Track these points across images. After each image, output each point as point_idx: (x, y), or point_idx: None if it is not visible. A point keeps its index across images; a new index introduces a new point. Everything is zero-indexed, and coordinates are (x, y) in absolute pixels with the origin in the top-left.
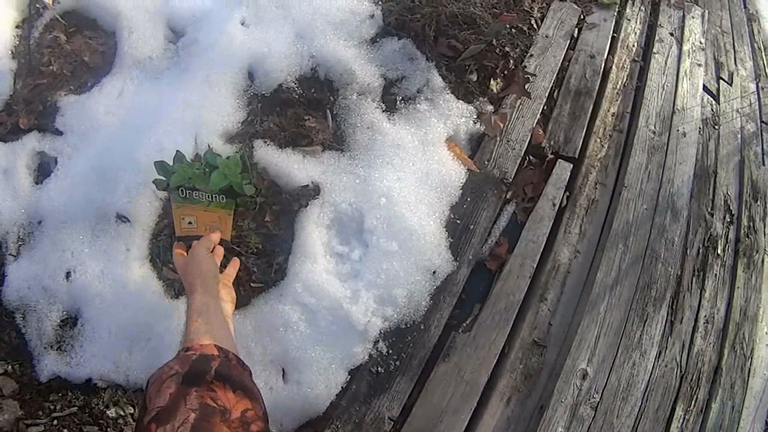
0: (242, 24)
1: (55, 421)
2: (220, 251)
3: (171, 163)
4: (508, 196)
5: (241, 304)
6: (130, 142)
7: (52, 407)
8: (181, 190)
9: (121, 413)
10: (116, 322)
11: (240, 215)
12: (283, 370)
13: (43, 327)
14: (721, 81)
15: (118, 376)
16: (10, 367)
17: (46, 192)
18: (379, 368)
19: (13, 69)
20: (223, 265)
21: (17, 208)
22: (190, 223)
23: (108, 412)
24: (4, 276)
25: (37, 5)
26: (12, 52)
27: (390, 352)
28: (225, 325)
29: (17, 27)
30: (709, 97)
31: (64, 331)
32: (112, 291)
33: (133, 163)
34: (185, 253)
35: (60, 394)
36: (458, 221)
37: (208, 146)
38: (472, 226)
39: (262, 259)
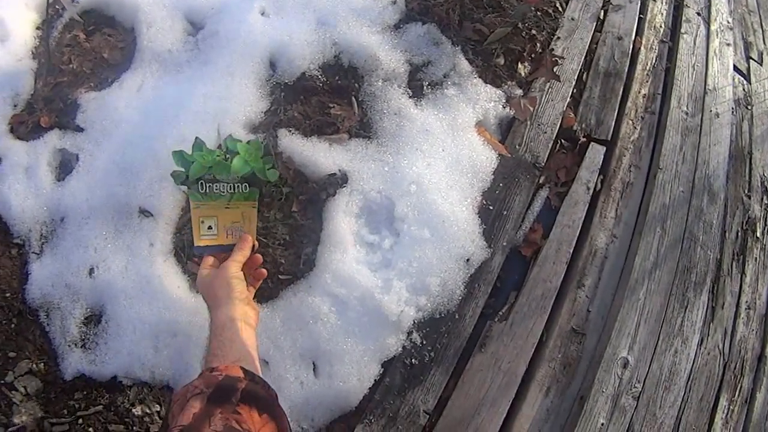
0: (262, 14)
1: (80, 420)
2: (258, 260)
3: (190, 153)
4: (540, 181)
5: (269, 296)
6: (151, 135)
7: (76, 406)
8: (201, 184)
9: (147, 411)
10: (141, 319)
11: (266, 206)
12: (313, 363)
13: (66, 325)
14: (751, 61)
15: (144, 373)
16: (34, 365)
17: (68, 189)
18: (413, 360)
19: (34, 69)
20: None
21: (39, 206)
22: (210, 228)
23: (134, 410)
24: (27, 274)
25: (56, 6)
26: (32, 53)
27: (424, 342)
28: (250, 346)
29: (37, 29)
30: (740, 77)
31: (88, 328)
32: (136, 287)
33: (155, 156)
34: (209, 269)
35: (85, 393)
36: (491, 207)
37: (230, 135)
38: (505, 212)
39: (290, 250)
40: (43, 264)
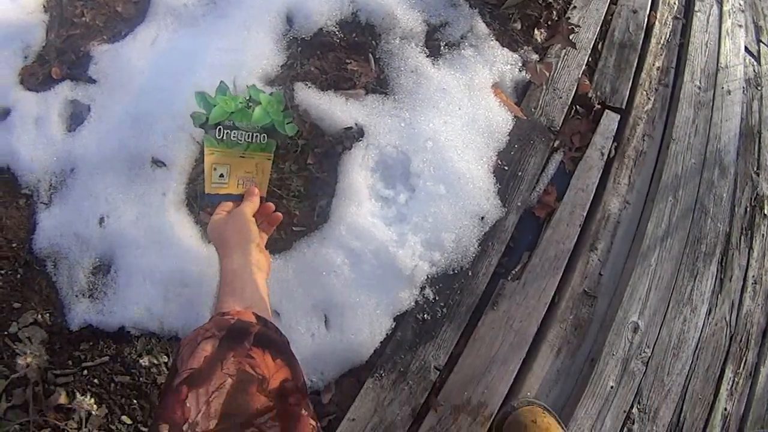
0: None
1: (85, 371)
2: (270, 208)
3: (213, 96)
4: (555, 145)
5: (282, 248)
6: (166, 87)
7: (82, 357)
8: (219, 130)
9: (155, 362)
10: (151, 268)
11: (281, 158)
12: (325, 316)
13: (74, 274)
14: (762, 44)
15: (153, 323)
16: (39, 316)
17: (79, 139)
18: (426, 315)
19: (45, 22)
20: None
21: (49, 156)
22: (221, 176)
23: (141, 360)
24: (35, 224)
25: None
26: (44, 6)
27: (437, 298)
28: (261, 292)
29: None
30: (751, 58)
31: (96, 278)
32: (147, 236)
33: (170, 107)
34: (222, 215)
35: (91, 344)
36: (506, 167)
37: (254, 85)
38: (520, 173)
39: (304, 202)
40: (52, 214)
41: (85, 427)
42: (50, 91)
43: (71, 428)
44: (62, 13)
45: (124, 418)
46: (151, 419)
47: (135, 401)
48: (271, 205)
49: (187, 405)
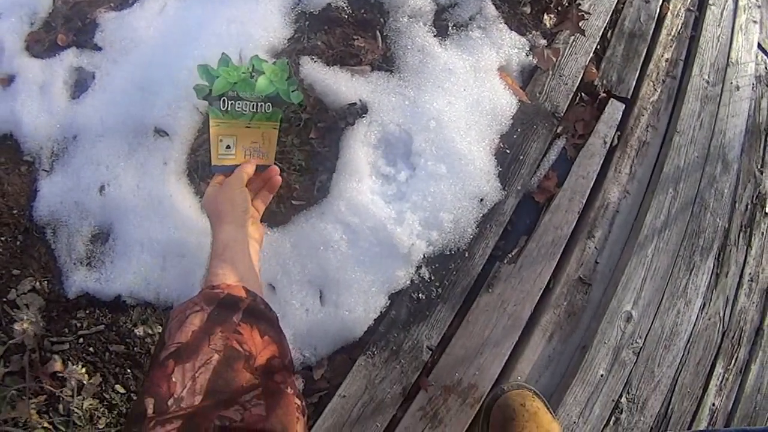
0: None
1: (81, 339)
2: (277, 181)
3: (215, 67)
4: (558, 131)
5: (280, 221)
6: (171, 56)
7: (78, 325)
8: (223, 101)
9: (149, 332)
10: (149, 238)
11: (283, 131)
12: (320, 291)
13: (73, 242)
14: None
15: (149, 293)
16: (37, 283)
17: (82, 107)
18: (421, 294)
19: None
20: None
21: (52, 124)
22: (228, 147)
23: (136, 330)
24: (36, 191)
25: None
26: None
27: (432, 278)
28: (252, 266)
29: None
30: (764, 55)
31: (95, 246)
32: (147, 205)
33: (175, 77)
34: (215, 186)
35: (87, 312)
36: (507, 151)
37: (256, 55)
38: (521, 157)
39: (305, 176)
40: (53, 181)
41: (80, 395)
42: (55, 58)
43: (66, 395)
44: None
45: (118, 387)
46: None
47: (129, 371)
48: (276, 168)
49: (173, 380)
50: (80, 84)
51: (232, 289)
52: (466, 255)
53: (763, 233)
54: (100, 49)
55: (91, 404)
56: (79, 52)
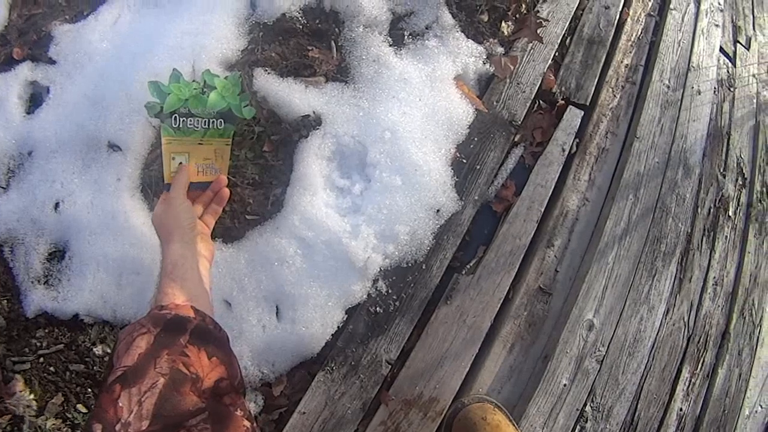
0: None
1: (42, 359)
2: (226, 193)
3: (166, 84)
4: (516, 139)
5: (235, 236)
6: (125, 69)
7: (38, 344)
8: (175, 118)
9: (108, 351)
10: (104, 255)
11: (236, 145)
12: (277, 307)
13: (30, 260)
14: (738, 45)
15: (106, 311)
16: None
17: (37, 122)
18: (378, 308)
19: (9, 1)
20: (223, 210)
21: (8, 139)
22: (181, 164)
23: (94, 349)
24: None
25: None
26: None
27: (390, 291)
28: (202, 284)
29: None
30: (726, 59)
31: (51, 264)
32: (101, 222)
33: (128, 90)
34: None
35: (47, 331)
36: (464, 161)
37: (207, 70)
38: (478, 167)
39: (259, 190)
40: (9, 198)
41: (42, 414)
42: (10, 72)
43: (29, 415)
44: None
45: (79, 406)
46: None
47: (89, 390)
48: (224, 179)
49: (120, 404)
50: (35, 98)
51: (180, 309)
52: (424, 267)
53: (726, 236)
54: (54, 62)
55: (54, 424)
56: (33, 66)
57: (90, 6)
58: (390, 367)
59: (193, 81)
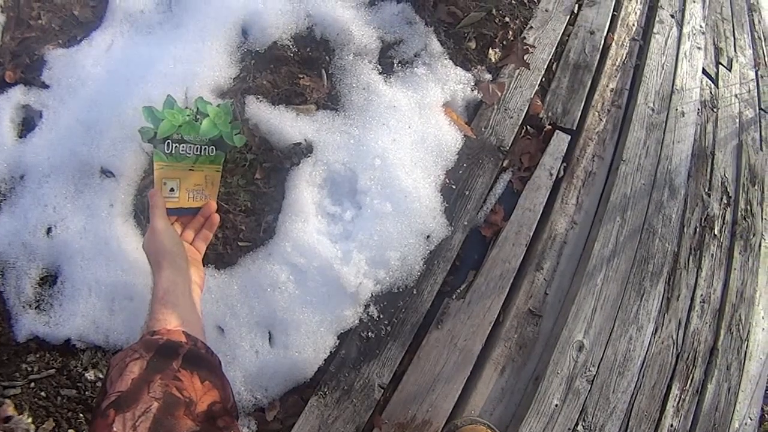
0: None
1: (33, 384)
2: (216, 219)
3: (160, 109)
4: (504, 164)
5: (227, 263)
6: (117, 95)
7: (29, 369)
8: (168, 144)
9: (100, 376)
10: (97, 280)
11: (229, 172)
12: (269, 332)
13: (22, 285)
14: (720, 66)
15: (98, 336)
16: None
17: (30, 146)
18: (370, 333)
19: (2, 23)
20: (215, 236)
21: None
22: (171, 190)
23: (86, 374)
24: None
25: None
26: (1, 6)
27: (381, 316)
28: (193, 309)
29: None
30: (708, 80)
31: (43, 289)
32: (94, 248)
33: (120, 116)
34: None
35: (38, 355)
36: (453, 186)
37: (200, 97)
38: (467, 192)
39: (251, 217)
40: (1, 222)
41: None
42: (3, 95)
43: None
44: (19, 14)
45: (70, 431)
46: None
47: (81, 415)
48: (213, 204)
49: (114, 429)
50: (28, 122)
51: (171, 335)
52: (415, 292)
53: (713, 255)
54: (47, 86)
55: None
56: (26, 90)
57: (83, 31)
58: (382, 391)
59: (186, 108)
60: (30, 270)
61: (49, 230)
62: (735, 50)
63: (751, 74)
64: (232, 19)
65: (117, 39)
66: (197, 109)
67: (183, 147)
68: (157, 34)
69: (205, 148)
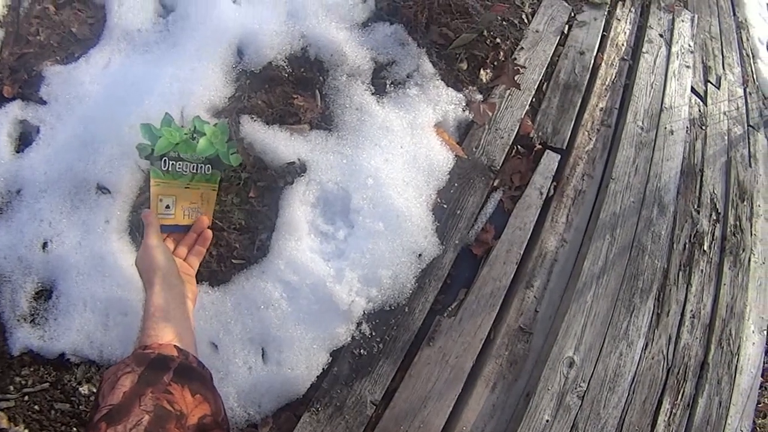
0: (234, 1)
1: (26, 397)
2: (208, 235)
3: (158, 127)
4: (495, 184)
5: (221, 280)
6: (114, 112)
7: (23, 382)
8: (165, 161)
9: (94, 390)
10: (92, 295)
11: (223, 190)
12: (263, 349)
13: (17, 299)
14: (709, 84)
15: (92, 351)
16: None
17: (27, 161)
18: (362, 350)
19: (1, 38)
20: (209, 253)
21: None
22: (167, 207)
23: (80, 389)
24: None
25: None
26: (0, 22)
27: (373, 334)
28: (185, 324)
29: None
30: (697, 98)
31: (38, 303)
32: (89, 263)
33: (117, 133)
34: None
35: (32, 369)
36: (445, 206)
37: (197, 116)
38: (458, 211)
39: (245, 235)
40: None
41: None
42: (0, 110)
43: None
44: (18, 29)
45: None
46: None
47: (75, 429)
48: (205, 220)
49: None
50: (25, 137)
51: (163, 349)
52: (406, 310)
53: (702, 270)
54: (45, 102)
55: None
56: (24, 105)
57: (81, 48)
58: (374, 407)
59: (183, 126)
60: (25, 284)
61: (44, 245)
62: (723, 68)
63: (740, 91)
64: (227, 40)
65: (114, 57)
66: (194, 127)
67: (180, 165)
68: (154, 53)
69: (202, 167)
